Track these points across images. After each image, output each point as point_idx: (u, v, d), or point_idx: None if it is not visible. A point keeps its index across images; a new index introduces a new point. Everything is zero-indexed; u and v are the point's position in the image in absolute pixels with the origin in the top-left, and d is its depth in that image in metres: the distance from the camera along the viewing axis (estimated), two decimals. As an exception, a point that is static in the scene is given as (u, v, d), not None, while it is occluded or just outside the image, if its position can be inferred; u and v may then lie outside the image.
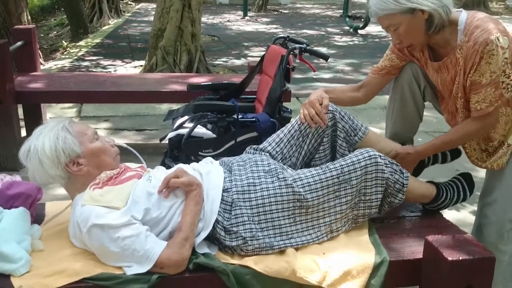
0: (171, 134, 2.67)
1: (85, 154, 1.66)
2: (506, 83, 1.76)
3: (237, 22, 13.64)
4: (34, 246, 1.63)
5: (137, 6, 17.10)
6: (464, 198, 2.01)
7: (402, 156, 1.98)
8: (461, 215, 2.92)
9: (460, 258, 1.46)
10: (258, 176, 1.75)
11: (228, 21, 13.81)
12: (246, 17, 14.47)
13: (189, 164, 1.88)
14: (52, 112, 4.69)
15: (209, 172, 1.78)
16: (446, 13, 1.78)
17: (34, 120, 3.97)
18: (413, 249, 1.70)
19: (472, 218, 2.17)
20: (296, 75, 6.41)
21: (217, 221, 1.65)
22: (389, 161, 1.82)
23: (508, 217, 1.97)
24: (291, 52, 2.86)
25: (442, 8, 1.77)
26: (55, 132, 1.65)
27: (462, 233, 1.79)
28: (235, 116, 2.73)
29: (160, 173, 1.74)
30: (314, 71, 3.09)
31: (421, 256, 1.62)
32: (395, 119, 2.18)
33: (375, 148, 1.99)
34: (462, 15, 1.81)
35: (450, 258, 1.46)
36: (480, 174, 2.14)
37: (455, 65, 1.86)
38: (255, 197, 1.69)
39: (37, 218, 1.84)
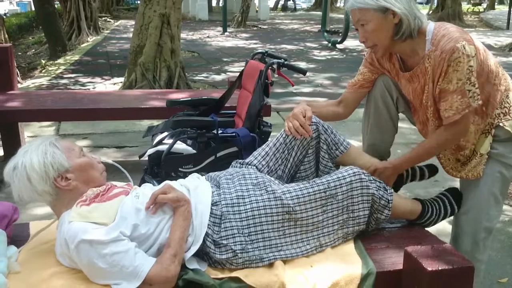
0: (150, 151, 2.66)
1: (74, 169, 1.65)
2: (472, 91, 1.79)
3: (216, 38, 13.71)
4: (11, 268, 1.59)
5: (116, 23, 17.09)
6: (452, 212, 2.04)
7: (381, 170, 2.00)
8: (440, 225, 2.94)
9: (440, 268, 1.47)
10: (246, 189, 1.76)
11: (208, 37, 13.87)
12: (226, 33, 14.56)
13: (170, 180, 1.87)
14: (30, 131, 4.63)
15: (196, 187, 1.78)
16: (416, 24, 1.84)
17: (11, 139, 3.93)
18: (393, 260, 1.71)
19: (451, 228, 2.19)
20: (276, 90, 6.45)
21: (206, 234, 1.65)
22: (373, 178, 1.85)
23: (482, 226, 1.99)
24: (270, 67, 2.88)
25: (412, 17, 1.82)
26: (42, 148, 1.63)
27: (441, 243, 1.81)
28: (215, 131, 2.73)
29: (147, 190, 1.73)
30: (293, 85, 3.11)
31: (401, 267, 1.63)
32: (370, 131, 2.20)
33: (356, 163, 2.01)
34: (430, 26, 1.87)
35: (429, 268, 1.47)
36: (458, 183, 2.17)
37: (424, 74, 1.90)
38: (244, 210, 1.69)
39: (22, 238, 1.81)
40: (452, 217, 2.10)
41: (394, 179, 2.06)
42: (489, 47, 11.25)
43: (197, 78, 7.79)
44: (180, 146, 2.66)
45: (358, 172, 1.81)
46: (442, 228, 2.83)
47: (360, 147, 2.26)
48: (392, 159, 2.09)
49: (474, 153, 1.96)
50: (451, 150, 2.04)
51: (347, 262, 1.68)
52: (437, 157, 2.12)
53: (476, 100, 1.80)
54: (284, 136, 1.97)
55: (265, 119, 3.08)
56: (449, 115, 1.82)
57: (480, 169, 1.95)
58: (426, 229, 2.00)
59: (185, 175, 2.55)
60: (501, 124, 1.91)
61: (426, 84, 1.89)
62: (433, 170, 2.18)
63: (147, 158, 2.71)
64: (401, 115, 2.23)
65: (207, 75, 8.12)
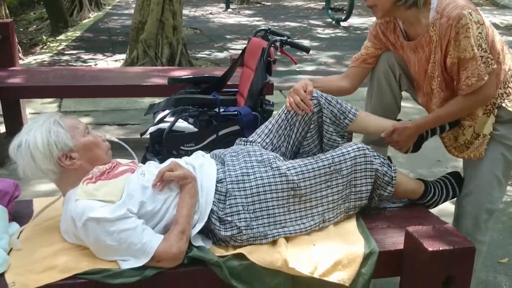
0: (152, 129, 2.65)
1: (78, 148, 1.65)
2: (485, 57, 1.77)
3: (219, 14, 13.56)
4: (12, 245, 1.60)
5: (118, -1, 16.90)
6: (453, 195, 2.04)
7: (400, 130, 1.97)
8: (442, 205, 2.94)
9: (440, 249, 1.47)
10: (251, 166, 1.76)
11: (211, 13, 13.72)
12: (229, 10, 14.38)
13: (171, 158, 1.87)
14: (31, 108, 4.62)
15: (202, 165, 1.79)
16: None
17: (13, 116, 3.92)
18: (394, 240, 1.71)
19: (453, 208, 2.18)
20: (279, 68, 6.40)
21: (211, 211, 1.66)
22: (377, 154, 1.84)
23: (484, 207, 1.98)
24: (272, 45, 2.85)
25: None
26: (46, 126, 1.62)
27: (442, 223, 1.81)
28: (216, 109, 2.72)
29: (153, 168, 1.74)
30: (296, 63, 3.08)
31: (402, 247, 1.64)
32: (373, 109, 2.18)
33: (369, 127, 2.01)
34: None
35: (430, 249, 1.47)
36: (460, 164, 2.15)
37: (429, 43, 1.87)
38: (249, 186, 1.70)
39: (25, 215, 1.82)
40: (454, 198, 2.09)
41: (414, 139, 2.03)
42: (495, 25, 11.10)
43: (199, 55, 7.72)
44: (182, 124, 2.65)
45: (363, 147, 1.81)
46: (444, 208, 2.83)
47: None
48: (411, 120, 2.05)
49: (476, 134, 1.94)
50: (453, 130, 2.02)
51: (350, 241, 1.69)
52: (440, 137, 2.11)
53: (490, 65, 1.77)
54: (285, 112, 1.96)
55: (267, 97, 3.06)
56: (472, 82, 1.79)
57: (482, 149, 1.94)
58: (428, 209, 2.00)
59: (186, 153, 2.55)
60: (503, 104, 1.89)
61: (432, 53, 1.87)
62: (453, 122, 2.06)
63: (148, 136, 2.70)
64: (404, 94, 2.21)
65: (209, 52, 8.05)
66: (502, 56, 1.88)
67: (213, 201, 1.67)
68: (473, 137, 1.96)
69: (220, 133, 2.69)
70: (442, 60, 1.85)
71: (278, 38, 2.88)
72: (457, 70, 1.82)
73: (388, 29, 2.04)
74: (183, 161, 1.82)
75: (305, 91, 1.92)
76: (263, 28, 3.16)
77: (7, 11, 7.16)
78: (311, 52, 3.16)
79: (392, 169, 1.86)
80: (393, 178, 1.85)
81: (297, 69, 6.62)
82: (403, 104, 2.23)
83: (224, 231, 1.64)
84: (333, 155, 1.79)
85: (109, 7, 14.39)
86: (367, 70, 2.17)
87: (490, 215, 2.01)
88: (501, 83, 1.89)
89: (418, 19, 1.87)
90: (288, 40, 2.86)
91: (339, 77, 2.22)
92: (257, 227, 1.65)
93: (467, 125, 1.96)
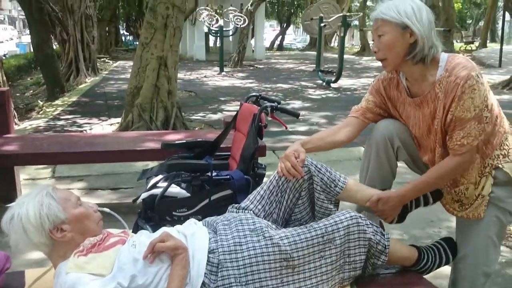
0: (144, 195, 2.65)
1: (70, 220, 1.65)
2: (489, 117, 1.83)
3: (213, 77, 13.88)
4: (1, 318, 1.57)
5: (114, 64, 17.31)
6: (447, 261, 2.03)
7: (385, 200, 1.98)
8: (438, 267, 2.91)
9: (433, 316, 1.46)
10: (244, 235, 1.75)
11: (205, 76, 14.05)
12: (223, 73, 14.75)
13: (163, 224, 1.86)
14: (25, 173, 4.63)
15: (193, 234, 1.78)
16: (431, 53, 1.87)
17: (7, 182, 3.91)
18: (388, 307, 1.69)
19: (448, 269, 2.17)
20: (272, 128, 6.48)
21: (203, 283, 1.64)
22: (370, 223, 1.85)
23: (481, 270, 1.98)
24: (263, 110, 2.91)
25: (429, 44, 1.85)
26: (39, 199, 1.64)
27: (435, 288, 1.79)
28: (209, 174, 2.73)
29: (144, 238, 1.73)
30: (286, 128, 3.14)
31: (396, 314, 1.61)
32: (370, 177, 2.17)
33: (356, 196, 2.02)
34: (443, 55, 1.91)
35: (424, 317, 1.45)
36: (454, 224, 2.15)
37: (434, 99, 1.91)
38: (242, 257, 1.68)
39: (17, 287, 1.79)
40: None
41: (399, 209, 2.04)
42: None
43: (193, 117, 7.85)
44: (174, 189, 2.66)
45: (355, 216, 1.81)
46: (439, 270, 2.81)
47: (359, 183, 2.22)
48: (395, 189, 2.06)
49: (475, 195, 1.96)
50: (447, 187, 2.04)
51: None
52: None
53: (488, 125, 1.84)
54: (277, 178, 1.98)
55: (260, 159, 3.09)
56: (468, 141, 1.83)
57: (481, 210, 1.96)
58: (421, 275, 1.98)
59: (179, 219, 2.54)
60: (500, 165, 1.92)
61: (436, 109, 1.90)
62: (437, 195, 2.12)
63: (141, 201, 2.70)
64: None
65: (203, 114, 8.19)
66: (499, 118, 1.93)
67: (205, 273, 1.65)
68: (472, 198, 1.97)
69: (213, 197, 2.69)
70: (443, 117, 1.88)
71: (269, 104, 2.94)
72: (453, 128, 1.86)
73: (391, 85, 2.09)
74: (175, 229, 1.82)
75: (296, 158, 1.95)
76: (254, 94, 3.24)
77: (4, 77, 7.30)
78: (303, 112, 3.24)
79: (386, 237, 1.86)
80: (387, 247, 1.84)
81: (290, 130, 6.72)
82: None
83: None
84: (325, 224, 1.78)
85: (106, 72, 14.72)
86: (365, 124, 2.19)
87: (486, 278, 2.00)
88: (497, 145, 1.93)
89: (424, 75, 1.92)
90: (278, 106, 2.93)
91: (336, 129, 2.20)
92: None
93: (465, 186, 1.98)
